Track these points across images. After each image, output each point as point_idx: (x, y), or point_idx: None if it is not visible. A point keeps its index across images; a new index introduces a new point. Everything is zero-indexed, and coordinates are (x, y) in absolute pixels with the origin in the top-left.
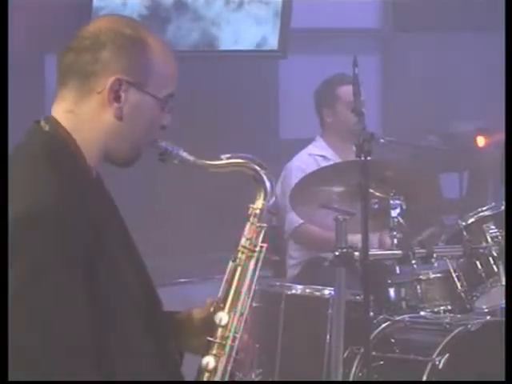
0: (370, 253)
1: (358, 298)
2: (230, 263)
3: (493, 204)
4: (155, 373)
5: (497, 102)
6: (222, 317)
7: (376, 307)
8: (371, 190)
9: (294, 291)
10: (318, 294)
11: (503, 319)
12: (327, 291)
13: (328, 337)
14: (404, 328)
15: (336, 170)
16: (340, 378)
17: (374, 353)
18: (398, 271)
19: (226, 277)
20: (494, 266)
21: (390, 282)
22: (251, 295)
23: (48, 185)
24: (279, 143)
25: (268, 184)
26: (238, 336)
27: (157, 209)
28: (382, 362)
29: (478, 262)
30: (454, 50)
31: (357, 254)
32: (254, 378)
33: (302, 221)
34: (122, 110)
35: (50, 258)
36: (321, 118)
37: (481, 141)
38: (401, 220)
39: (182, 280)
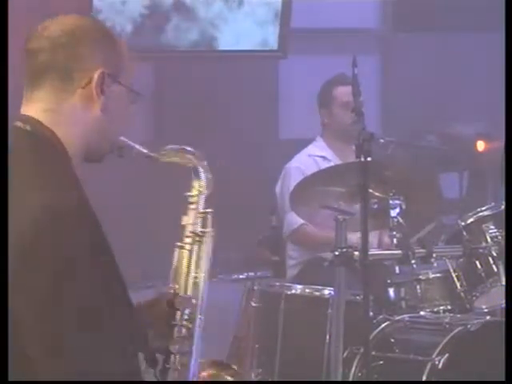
0: (370, 253)
1: (357, 298)
2: (177, 250)
3: (493, 204)
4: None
5: (497, 102)
6: (181, 300)
7: (376, 307)
8: (371, 190)
9: (293, 291)
10: (317, 293)
11: (503, 319)
12: (327, 291)
13: (328, 337)
14: (404, 328)
15: (336, 172)
16: (340, 378)
17: (373, 353)
18: (397, 271)
19: (174, 263)
20: (494, 266)
21: (389, 281)
22: (207, 276)
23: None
24: (279, 143)
25: (202, 173)
26: (202, 317)
27: (155, 208)
28: (381, 362)
29: (477, 262)
30: (454, 50)
31: (356, 253)
32: (253, 378)
33: (300, 222)
34: (108, 103)
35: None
36: (320, 118)
37: (481, 145)
38: (400, 220)
39: None
